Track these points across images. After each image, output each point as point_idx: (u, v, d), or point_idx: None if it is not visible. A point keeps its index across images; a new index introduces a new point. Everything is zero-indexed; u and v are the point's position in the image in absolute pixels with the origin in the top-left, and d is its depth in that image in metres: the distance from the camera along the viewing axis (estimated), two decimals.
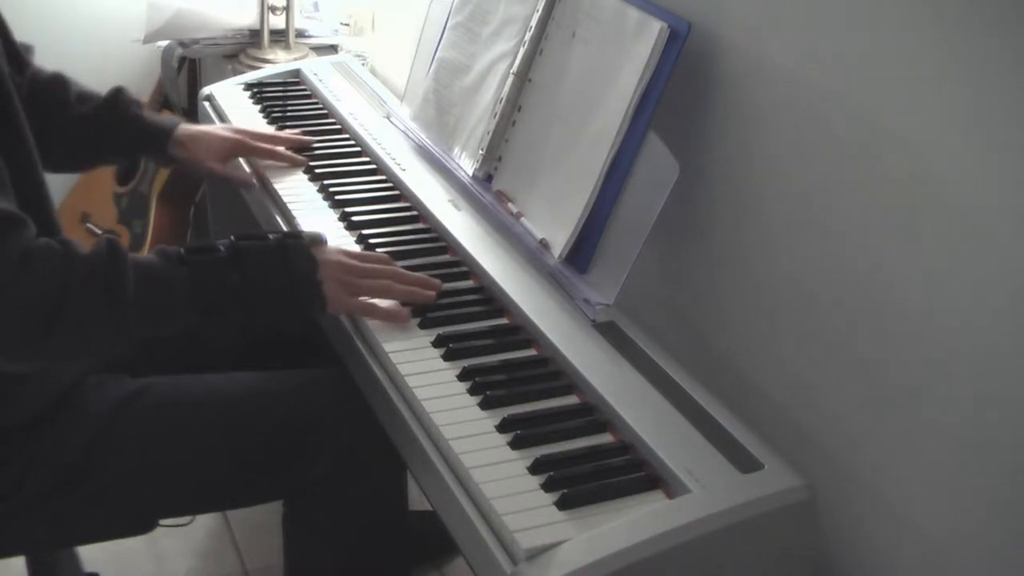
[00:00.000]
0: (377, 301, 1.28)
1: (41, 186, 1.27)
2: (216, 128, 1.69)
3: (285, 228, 1.52)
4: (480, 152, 1.55)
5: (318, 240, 1.30)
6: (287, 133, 1.74)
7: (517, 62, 1.50)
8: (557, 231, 1.38)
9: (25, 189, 1.21)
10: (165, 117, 1.65)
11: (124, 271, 1.14)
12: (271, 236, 1.25)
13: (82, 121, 1.55)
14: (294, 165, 1.66)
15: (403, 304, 1.30)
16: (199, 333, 1.43)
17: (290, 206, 1.55)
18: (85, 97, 1.57)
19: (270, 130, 1.76)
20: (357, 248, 1.44)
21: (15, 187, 1.18)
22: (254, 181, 1.64)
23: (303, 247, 1.25)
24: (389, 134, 1.75)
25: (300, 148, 1.70)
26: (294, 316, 1.27)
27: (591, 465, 1.09)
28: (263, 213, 1.62)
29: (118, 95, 1.58)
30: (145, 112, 1.60)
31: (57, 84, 1.55)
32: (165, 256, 1.19)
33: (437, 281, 1.33)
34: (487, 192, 1.53)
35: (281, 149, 1.67)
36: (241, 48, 2.36)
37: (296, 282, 1.23)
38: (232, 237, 1.23)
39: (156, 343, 1.31)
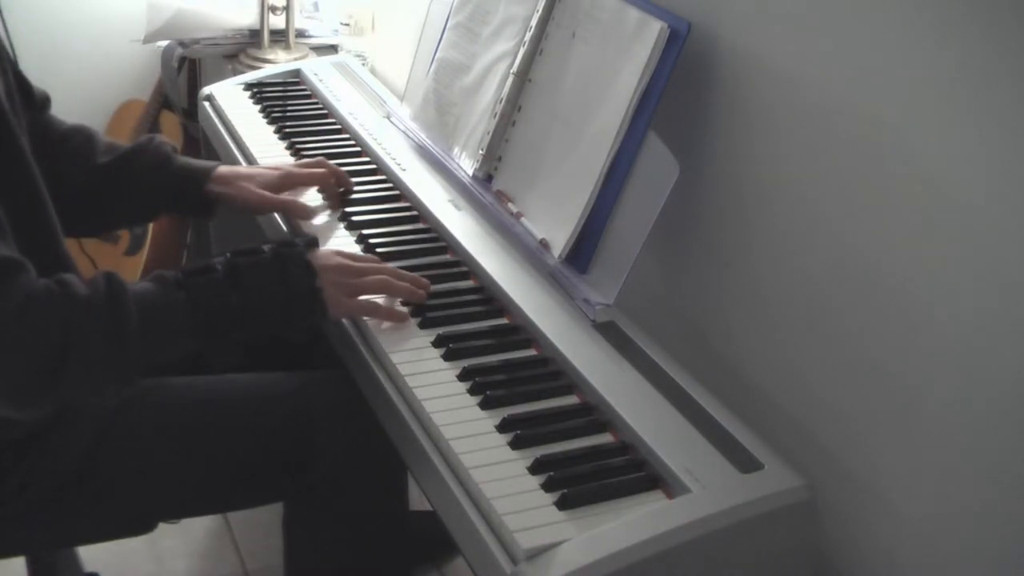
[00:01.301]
0: (376, 299, 1.28)
1: (49, 219, 1.23)
2: (258, 167, 1.58)
3: (284, 228, 1.52)
4: (480, 152, 1.55)
5: (312, 244, 1.29)
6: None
7: (517, 62, 1.50)
8: (557, 231, 1.38)
9: (32, 225, 1.19)
10: (200, 161, 1.50)
11: (126, 310, 1.12)
12: (266, 248, 1.23)
13: (105, 169, 1.42)
14: (329, 197, 1.55)
15: (401, 303, 1.30)
16: (203, 354, 1.41)
17: None
18: (112, 147, 1.45)
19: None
20: (355, 248, 1.44)
21: (21, 223, 1.15)
22: (313, 209, 1.51)
23: (300, 256, 1.23)
24: (389, 134, 1.75)
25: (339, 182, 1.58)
26: (296, 327, 1.25)
27: (591, 465, 1.09)
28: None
29: (150, 140, 1.46)
30: (179, 156, 1.47)
31: (80, 134, 1.44)
32: (163, 282, 1.17)
33: (426, 280, 1.33)
34: (487, 192, 1.53)
35: (326, 171, 1.54)
36: (241, 48, 2.36)
37: (296, 294, 1.22)
38: (228, 253, 1.22)
39: None
